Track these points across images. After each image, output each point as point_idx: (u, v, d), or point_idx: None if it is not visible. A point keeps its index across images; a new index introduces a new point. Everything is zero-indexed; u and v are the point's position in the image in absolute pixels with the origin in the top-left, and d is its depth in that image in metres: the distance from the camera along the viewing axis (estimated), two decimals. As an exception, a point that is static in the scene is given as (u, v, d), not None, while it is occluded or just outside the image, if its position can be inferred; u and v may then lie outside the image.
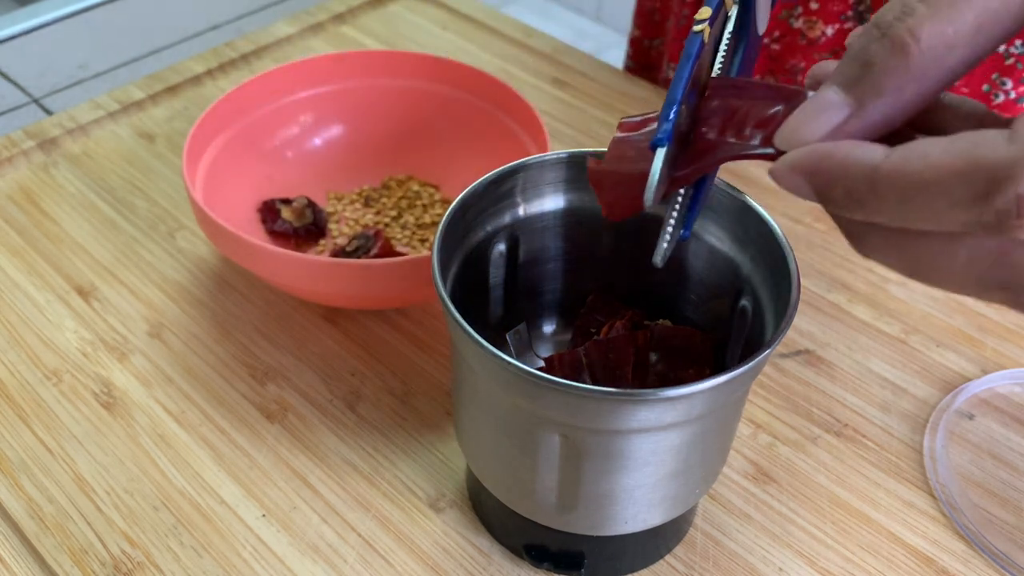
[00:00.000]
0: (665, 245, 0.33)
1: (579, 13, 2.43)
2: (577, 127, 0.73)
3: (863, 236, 0.28)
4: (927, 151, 0.25)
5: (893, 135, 0.28)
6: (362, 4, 0.86)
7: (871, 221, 0.27)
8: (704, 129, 0.32)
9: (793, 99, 0.30)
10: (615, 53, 2.14)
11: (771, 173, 0.29)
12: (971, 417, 0.53)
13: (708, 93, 0.33)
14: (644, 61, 0.86)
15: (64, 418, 0.52)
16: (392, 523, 0.48)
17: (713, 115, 0.32)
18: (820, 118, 0.28)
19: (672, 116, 0.30)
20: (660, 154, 0.30)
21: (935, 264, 0.27)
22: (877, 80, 0.27)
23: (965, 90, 0.66)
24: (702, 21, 0.32)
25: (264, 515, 0.48)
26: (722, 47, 0.35)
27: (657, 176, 0.30)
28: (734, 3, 0.35)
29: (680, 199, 0.34)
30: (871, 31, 0.27)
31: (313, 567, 0.46)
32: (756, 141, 0.31)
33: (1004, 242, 0.25)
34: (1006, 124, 0.27)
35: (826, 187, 0.27)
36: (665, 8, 0.81)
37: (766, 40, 0.71)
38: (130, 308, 0.58)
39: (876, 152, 0.26)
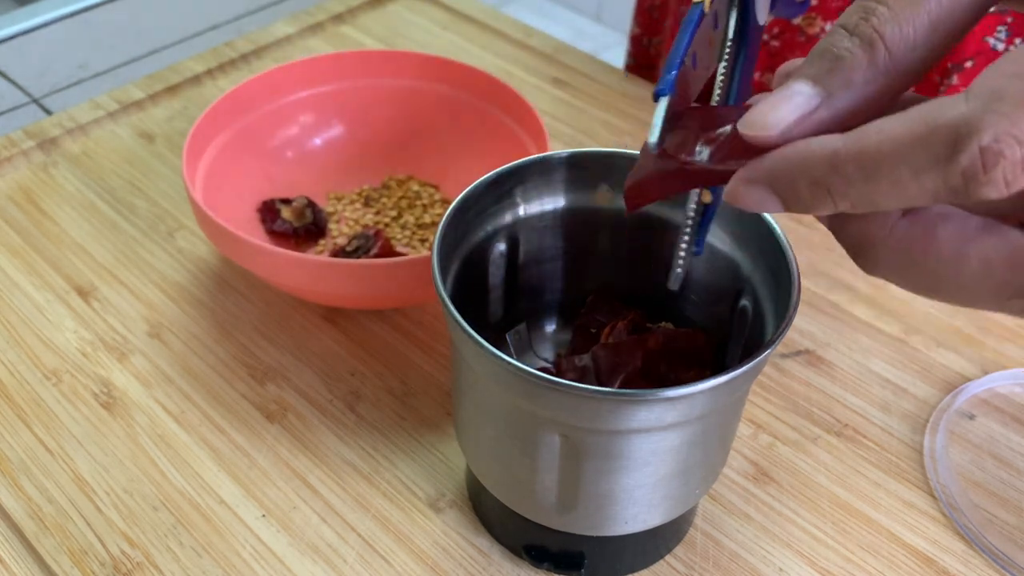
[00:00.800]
0: (679, 270, 0.34)
1: (579, 13, 2.43)
2: (577, 127, 0.73)
3: (870, 252, 0.28)
4: (883, 125, 0.25)
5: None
6: (362, 4, 0.86)
7: (845, 211, 0.26)
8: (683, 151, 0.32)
9: None
10: (615, 53, 2.14)
11: (728, 194, 0.28)
12: (971, 417, 0.53)
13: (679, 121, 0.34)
14: (644, 59, 0.86)
15: (64, 418, 0.52)
16: (392, 523, 0.48)
17: (686, 138, 0.33)
18: (789, 103, 0.27)
19: (675, 69, 0.31)
20: (663, 103, 0.30)
21: (947, 276, 0.26)
22: (847, 74, 0.27)
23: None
24: None
25: (264, 515, 0.48)
26: (727, 41, 0.36)
27: (660, 125, 0.30)
28: None
29: (690, 224, 0.34)
30: (838, 31, 0.27)
31: (313, 567, 0.46)
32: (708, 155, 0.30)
33: (1016, 247, 0.25)
34: None
35: (790, 187, 0.27)
36: (664, 6, 0.81)
37: (766, 37, 0.71)
38: (130, 308, 0.58)
39: (833, 138, 0.26)
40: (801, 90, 0.27)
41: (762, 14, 0.38)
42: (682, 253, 0.34)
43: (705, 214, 0.35)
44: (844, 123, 0.27)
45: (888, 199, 0.25)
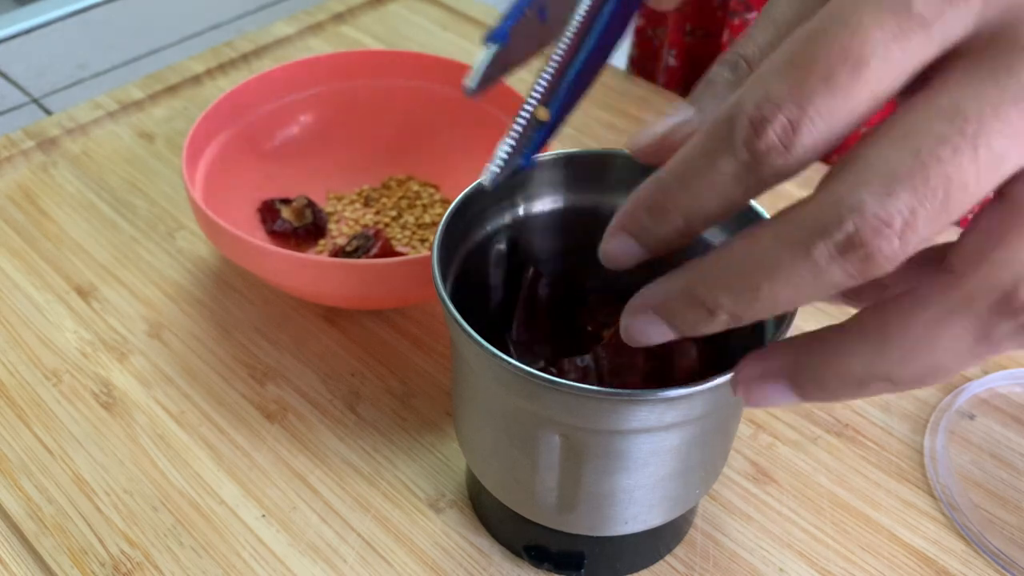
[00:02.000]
0: (496, 168, 0.31)
1: (579, 13, 2.42)
2: (577, 127, 0.73)
3: None
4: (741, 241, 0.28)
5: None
6: (362, 4, 0.86)
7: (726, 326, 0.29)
8: None
9: None
10: (615, 53, 2.14)
11: (621, 332, 0.31)
12: (972, 417, 0.53)
13: None
14: (647, 50, 0.85)
15: (64, 418, 0.52)
16: (392, 523, 0.47)
17: None
18: (666, 120, 0.30)
19: (513, 20, 0.30)
20: (491, 50, 0.30)
21: None
22: (715, 89, 0.30)
23: None
24: None
25: (264, 515, 0.48)
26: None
27: (482, 72, 0.30)
28: None
29: (527, 116, 0.31)
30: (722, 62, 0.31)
31: (313, 567, 0.46)
32: None
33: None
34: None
35: (672, 309, 0.29)
36: None
37: None
38: (130, 308, 0.58)
39: (694, 261, 0.29)
40: (678, 106, 0.31)
41: None
42: (503, 153, 0.31)
43: (540, 129, 0.32)
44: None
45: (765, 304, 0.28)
